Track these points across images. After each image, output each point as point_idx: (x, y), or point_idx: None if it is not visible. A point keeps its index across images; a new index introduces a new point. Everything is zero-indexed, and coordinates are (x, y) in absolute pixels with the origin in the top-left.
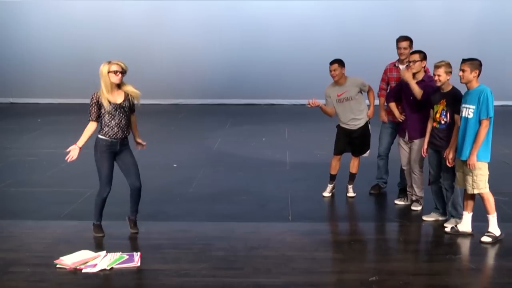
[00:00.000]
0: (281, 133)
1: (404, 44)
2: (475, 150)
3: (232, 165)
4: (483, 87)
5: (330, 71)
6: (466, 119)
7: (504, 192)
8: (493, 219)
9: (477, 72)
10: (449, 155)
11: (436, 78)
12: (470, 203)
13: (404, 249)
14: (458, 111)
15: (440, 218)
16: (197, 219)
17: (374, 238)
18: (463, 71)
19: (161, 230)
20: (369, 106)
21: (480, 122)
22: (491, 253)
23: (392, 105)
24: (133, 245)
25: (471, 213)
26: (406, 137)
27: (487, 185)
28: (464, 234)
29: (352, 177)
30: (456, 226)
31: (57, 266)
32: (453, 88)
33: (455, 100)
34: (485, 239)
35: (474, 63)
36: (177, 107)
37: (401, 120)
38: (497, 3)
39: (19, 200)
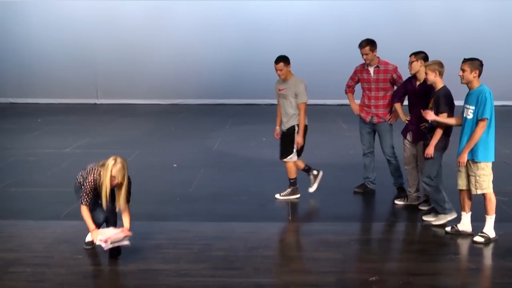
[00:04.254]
0: None
1: (365, 50)
2: (466, 149)
3: (232, 165)
4: (483, 87)
5: (276, 70)
6: (466, 119)
7: (504, 192)
8: (490, 220)
9: (477, 72)
10: (427, 150)
11: (426, 77)
12: (468, 203)
13: (404, 249)
14: (443, 110)
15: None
16: (197, 219)
17: (374, 238)
18: (463, 71)
19: (161, 230)
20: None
21: (477, 123)
22: (491, 253)
23: (397, 106)
24: (133, 245)
25: (470, 213)
26: (410, 137)
27: (491, 186)
28: (464, 234)
29: (290, 183)
30: (456, 225)
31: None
32: (442, 88)
33: (440, 99)
34: (478, 239)
35: (475, 63)
36: (177, 107)
37: (406, 122)
38: (497, 3)
39: (19, 200)
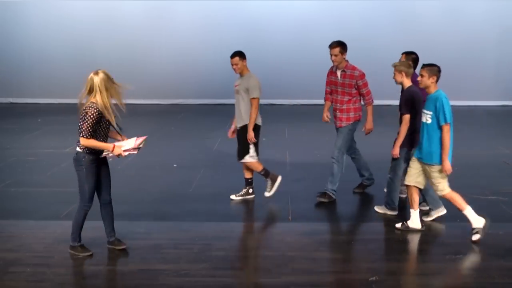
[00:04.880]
0: (281, 133)
1: (335, 51)
2: (445, 156)
3: (232, 165)
4: (439, 93)
5: (232, 64)
6: (426, 124)
7: (504, 192)
8: (469, 213)
9: (435, 78)
10: (393, 150)
11: (393, 77)
12: (416, 200)
13: (404, 249)
14: (404, 112)
15: (437, 214)
16: (197, 219)
17: (374, 238)
18: (421, 76)
19: (161, 230)
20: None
21: (440, 128)
22: (491, 253)
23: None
24: (133, 245)
25: (418, 210)
26: None
27: (448, 185)
28: (414, 231)
29: (246, 182)
30: (406, 222)
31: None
32: (406, 89)
33: (403, 99)
34: (475, 237)
35: (433, 69)
36: (177, 107)
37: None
38: (498, 3)
39: (19, 200)
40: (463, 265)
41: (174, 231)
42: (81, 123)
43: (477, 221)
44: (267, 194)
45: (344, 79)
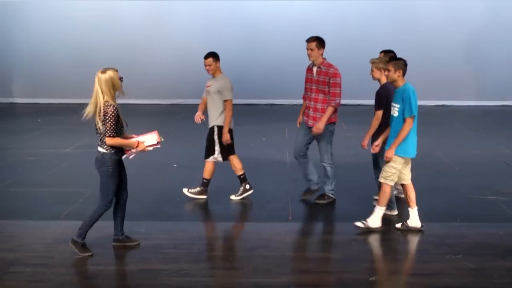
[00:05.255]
0: (281, 133)
1: (311, 45)
2: (394, 145)
3: None
4: (406, 86)
5: (205, 65)
6: (393, 117)
7: (504, 192)
8: (379, 211)
9: (401, 71)
10: (363, 141)
11: (370, 73)
12: (412, 197)
13: (404, 249)
14: (377, 108)
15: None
16: (197, 219)
17: (374, 238)
18: (388, 70)
19: (161, 230)
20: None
21: (404, 120)
22: (491, 253)
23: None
24: (134, 245)
25: (416, 207)
26: None
27: (395, 180)
28: (414, 230)
29: (240, 180)
30: (406, 222)
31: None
32: (385, 84)
33: (377, 95)
34: (359, 224)
35: (398, 63)
36: (177, 107)
37: None
38: (498, 3)
39: (19, 200)
40: (463, 265)
41: (174, 231)
42: (104, 123)
43: (375, 222)
44: (233, 197)
45: (319, 76)
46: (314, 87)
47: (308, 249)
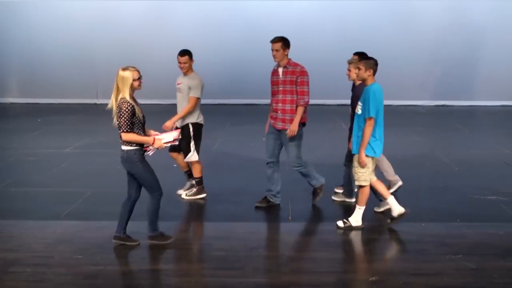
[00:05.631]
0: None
1: (276, 45)
2: (362, 148)
3: (232, 165)
4: (371, 86)
5: (179, 62)
6: (357, 115)
7: (504, 192)
8: (359, 211)
9: (371, 71)
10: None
11: (347, 73)
12: (383, 190)
13: (404, 249)
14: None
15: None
16: (197, 219)
17: (374, 238)
18: (358, 69)
19: (161, 230)
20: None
21: (365, 121)
22: (491, 253)
23: None
24: (133, 245)
25: (392, 196)
26: None
27: (368, 179)
28: (402, 215)
29: (196, 182)
30: (392, 214)
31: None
32: (359, 84)
33: (355, 96)
34: (339, 223)
35: (369, 62)
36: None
37: None
38: (498, 3)
39: (19, 200)
40: (463, 265)
41: (175, 231)
42: (119, 119)
43: (356, 221)
44: (182, 194)
45: (285, 76)
46: (281, 89)
47: (308, 249)
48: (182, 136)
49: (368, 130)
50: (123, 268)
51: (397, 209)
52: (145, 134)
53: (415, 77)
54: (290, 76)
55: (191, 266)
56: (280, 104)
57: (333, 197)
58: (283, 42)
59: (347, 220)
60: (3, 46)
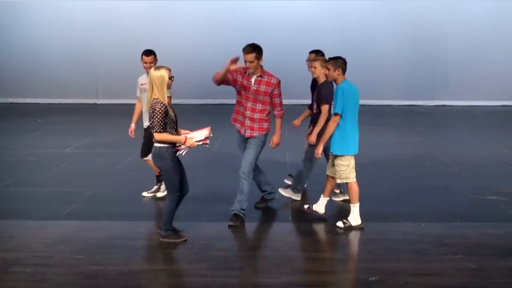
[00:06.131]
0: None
1: (250, 57)
2: (321, 142)
3: (232, 165)
4: (341, 84)
5: (145, 62)
6: (331, 114)
7: (504, 192)
8: (354, 208)
9: (340, 70)
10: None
11: (312, 70)
12: (329, 189)
13: (404, 249)
14: (324, 101)
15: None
16: (197, 219)
17: (374, 238)
18: (327, 69)
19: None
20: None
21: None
22: (491, 253)
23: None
24: (133, 245)
25: (327, 198)
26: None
27: (351, 176)
28: (316, 214)
29: (157, 179)
30: (312, 205)
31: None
32: (324, 82)
33: (318, 93)
34: (339, 224)
35: (337, 62)
36: (177, 107)
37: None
38: (498, 3)
39: (19, 200)
40: (463, 265)
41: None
42: (152, 119)
43: (354, 219)
44: (159, 194)
45: (259, 85)
46: (251, 96)
47: (308, 249)
48: (146, 136)
49: (332, 125)
50: (123, 268)
51: (321, 209)
52: (177, 133)
53: (415, 77)
54: (265, 87)
55: (191, 266)
56: (248, 112)
57: (333, 198)
58: (257, 52)
59: (347, 220)
60: (3, 46)
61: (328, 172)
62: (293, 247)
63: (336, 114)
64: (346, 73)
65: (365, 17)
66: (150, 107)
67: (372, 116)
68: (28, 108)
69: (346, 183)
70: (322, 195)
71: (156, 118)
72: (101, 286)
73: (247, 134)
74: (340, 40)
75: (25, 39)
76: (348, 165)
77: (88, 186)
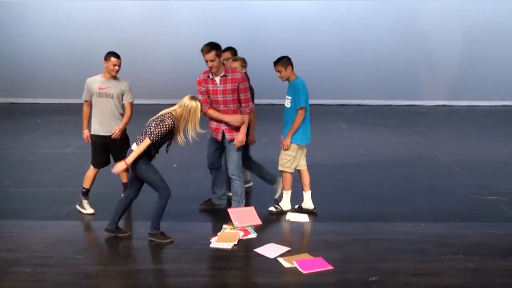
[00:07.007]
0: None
1: (210, 56)
2: (289, 134)
3: None
4: (296, 80)
5: (115, 65)
6: (286, 109)
7: (504, 192)
8: (286, 195)
9: (290, 67)
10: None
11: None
12: (306, 182)
13: (404, 249)
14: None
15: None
16: (197, 219)
17: (374, 238)
18: (279, 71)
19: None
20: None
21: (297, 111)
22: (491, 253)
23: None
24: (133, 245)
25: (310, 191)
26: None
27: (292, 166)
28: (306, 211)
29: (124, 186)
30: (301, 204)
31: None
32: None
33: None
34: (271, 209)
35: (284, 61)
36: None
37: None
38: (497, 3)
39: (19, 200)
40: (463, 265)
41: (174, 231)
42: (154, 127)
43: (286, 204)
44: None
45: (225, 84)
46: (221, 98)
47: (308, 249)
48: (122, 142)
49: (299, 118)
50: (123, 268)
51: (309, 204)
52: (157, 151)
53: (414, 77)
54: (231, 84)
55: (191, 266)
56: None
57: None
58: (217, 50)
59: (278, 205)
60: (3, 46)
61: (297, 167)
62: (293, 247)
63: (301, 108)
64: (343, 72)
65: (364, 17)
66: (162, 115)
67: (372, 116)
68: (28, 108)
69: (282, 170)
70: (303, 191)
71: (159, 129)
72: (101, 286)
73: (228, 137)
74: (340, 40)
75: (25, 39)
76: (294, 156)
77: None
